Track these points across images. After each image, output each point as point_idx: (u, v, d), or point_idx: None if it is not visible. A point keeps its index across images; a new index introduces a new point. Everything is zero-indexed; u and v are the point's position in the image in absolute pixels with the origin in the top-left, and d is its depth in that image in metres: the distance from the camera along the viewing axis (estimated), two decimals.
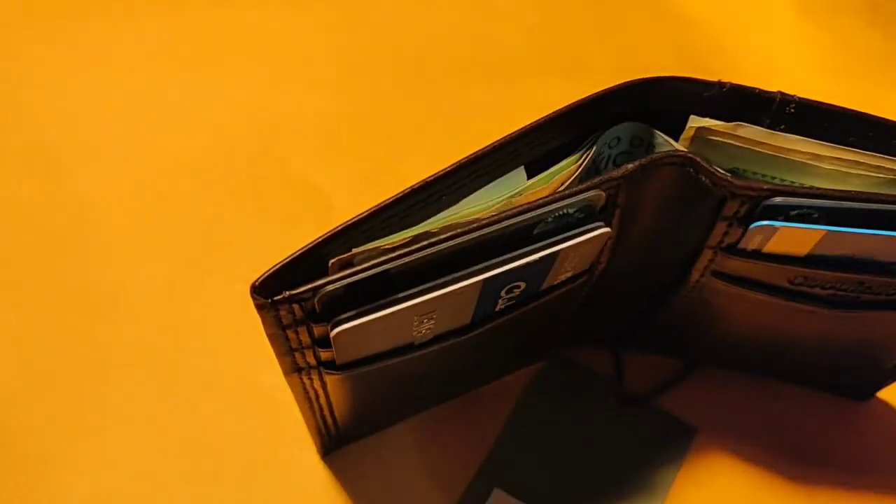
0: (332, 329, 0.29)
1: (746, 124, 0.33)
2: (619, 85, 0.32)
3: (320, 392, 0.36)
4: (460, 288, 0.30)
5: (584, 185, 0.30)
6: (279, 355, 0.32)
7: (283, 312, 0.29)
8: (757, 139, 0.33)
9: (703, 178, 0.32)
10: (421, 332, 0.33)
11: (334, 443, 0.43)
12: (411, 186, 0.30)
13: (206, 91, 0.53)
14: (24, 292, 0.47)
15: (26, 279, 0.48)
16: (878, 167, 0.32)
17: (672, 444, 0.46)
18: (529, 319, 0.37)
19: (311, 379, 0.34)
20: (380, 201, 0.30)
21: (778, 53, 0.57)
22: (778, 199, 0.31)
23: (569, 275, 0.35)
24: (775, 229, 0.32)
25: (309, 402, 0.37)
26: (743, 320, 0.41)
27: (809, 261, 0.34)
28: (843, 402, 0.47)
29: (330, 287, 0.28)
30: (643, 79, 0.33)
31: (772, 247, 0.33)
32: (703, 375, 0.47)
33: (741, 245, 0.34)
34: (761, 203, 0.32)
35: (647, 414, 0.47)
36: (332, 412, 0.39)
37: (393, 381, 0.38)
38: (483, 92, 0.52)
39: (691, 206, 0.33)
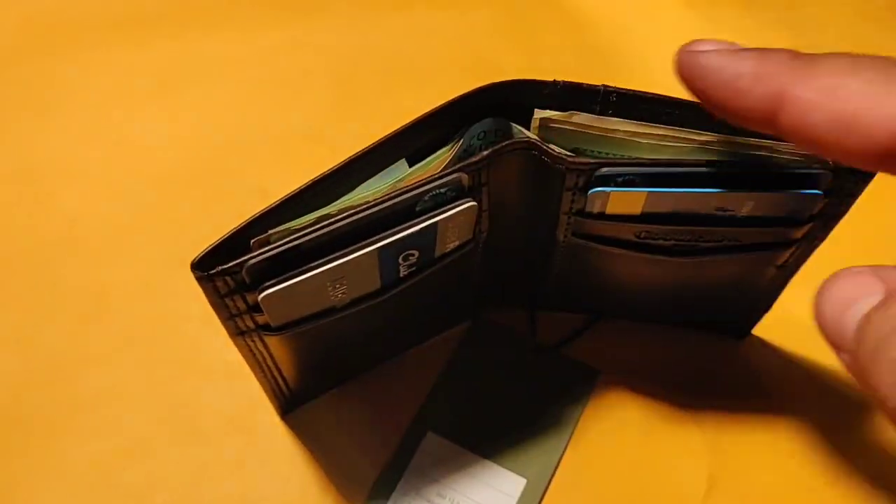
0: (259, 294, 0.35)
1: (579, 112, 0.39)
2: (479, 88, 0.38)
3: (265, 353, 0.41)
4: (359, 256, 0.36)
5: (451, 169, 0.37)
6: (223, 320, 0.38)
7: (219, 284, 0.35)
8: (588, 123, 0.39)
9: (545, 158, 0.38)
10: (338, 296, 0.38)
11: (290, 403, 0.48)
12: (312, 179, 0.36)
13: (170, 114, 0.57)
14: (23, 297, 0.52)
15: (24, 286, 0.53)
16: (685, 139, 0.38)
17: (578, 385, 0.50)
18: (435, 283, 0.42)
19: (254, 341, 0.40)
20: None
21: (668, 43, 0.61)
22: (605, 170, 0.37)
23: (456, 243, 0.41)
24: (608, 194, 0.38)
25: (259, 365, 0.42)
26: (615, 273, 0.46)
27: (645, 218, 0.39)
28: (725, 340, 0.51)
29: (253, 261, 0.34)
30: (497, 82, 0.39)
31: (611, 208, 0.39)
32: (604, 327, 0.52)
33: (587, 209, 0.40)
34: (593, 174, 0.38)
35: (557, 361, 0.51)
36: (280, 373, 0.44)
37: (329, 341, 0.43)
38: (412, 98, 0.54)
39: (543, 181, 0.39)
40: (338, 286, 0.38)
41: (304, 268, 0.36)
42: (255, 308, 0.37)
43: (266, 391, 0.46)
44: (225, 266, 0.35)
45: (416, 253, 0.39)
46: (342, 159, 0.40)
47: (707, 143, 0.38)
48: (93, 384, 0.50)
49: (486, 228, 0.42)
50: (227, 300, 0.36)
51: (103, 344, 0.51)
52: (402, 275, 0.40)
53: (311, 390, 0.49)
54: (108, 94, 0.57)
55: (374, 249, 0.37)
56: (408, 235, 0.37)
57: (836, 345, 0.27)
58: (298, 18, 0.59)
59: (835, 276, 0.27)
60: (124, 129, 0.57)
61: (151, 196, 0.55)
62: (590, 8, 0.62)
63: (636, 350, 0.52)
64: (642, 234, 0.41)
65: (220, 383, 0.50)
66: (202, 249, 0.35)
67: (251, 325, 0.39)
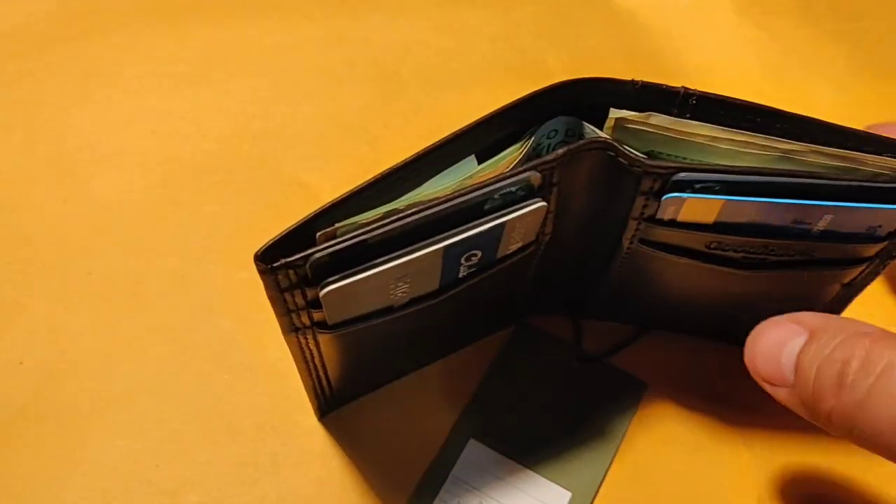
0: (320, 290, 0.34)
1: (657, 114, 0.38)
2: (553, 84, 0.37)
3: (315, 352, 0.40)
4: (425, 254, 0.35)
5: (522, 167, 0.35)
6: (279, 316, 0.36)
7: (280, 277, 0.34)
8: (666, 125, 0.38)
9: (621, 159, 0.37)
10: (398, 295, 0.37)
11: (329, 404, 0.47)
12: (380, 173, 0.35)
13: (207, 103, 0.56)
14: (55, 285, 0.51)
15: (56, 274, 0.51)
16: (765, 146, 0.37)
17: (624, 397, 0.49)
18: (490, 285, 0.41)
19: (306, 338, 0.39)
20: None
21: (718, 52, 0.60)
22: (682, 175, 0.36)
23: (519, 245, 0.39)
24: (683, 200, 0.37)
25: (305, 363, 0.41)
26: (674, 284, 0.44)
27: (718, 227, 0.38)
28: None
29: (318, 255, 0.33)
30: (573, 79, 0.37)
31: (684, 216, 0.38)
32: (651, 338, 0.51)
33: (659, 216, 0.38)
34: (670, 179, 0.36)
35: (603, 371, 0.50)
36: (325, 372, 0.43)
37: (378, 342, 0.42)
38: (453, 97, 0.55)
39: (616, 183, 0.38)
40: (400, 285, 0.37)
41: (370, 264, 0.35)
42: (314, 304, 0.36)
43: (307, 391, 0.45)
44: (289, 259, 0.34)
45: (480, 253, 0.38)
46: (382, 155, 0.39)
47: (789, 151, 0.37)
48: (124, 378, 0.49)
49: (550, 231, 0.41)
50: (287, 295, 0.35)
51: (136, 337, 0.50)
52: (461, 275, 0.39)
53: (351, 392, 0.48)
54: (145, 80, 0.56)
55: (441, 248, 0.35)
56: (475, 234, 0.36)
57: (773, 382, 0.36)
58: (343, 11, 0.58)
59: (762, 327, 0.37)
60: (161, 117, 0.55)
61: (187, 186, 0.54)
62: (638, 11, 0.61)
63: (683, 363, 0.50)
64: (712, 245, 0.40)
65: (255, 382, 0.49)
66: (266, 242, 0.34)
67: (307, 321, 0.37)
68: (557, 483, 0.47)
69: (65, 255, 0.52)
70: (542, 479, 0.47)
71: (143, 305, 0.51)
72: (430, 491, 0.47)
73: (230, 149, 0.55)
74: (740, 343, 0.42)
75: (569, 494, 0.47)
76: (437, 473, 0.47)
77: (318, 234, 0.35)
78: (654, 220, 0.39)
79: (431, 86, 0.57)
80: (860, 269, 0.41)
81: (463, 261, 0.38)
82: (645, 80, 0.38)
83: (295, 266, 0.34)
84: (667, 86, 0.38)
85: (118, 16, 0.57)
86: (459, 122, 0.48)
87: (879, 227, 0.38)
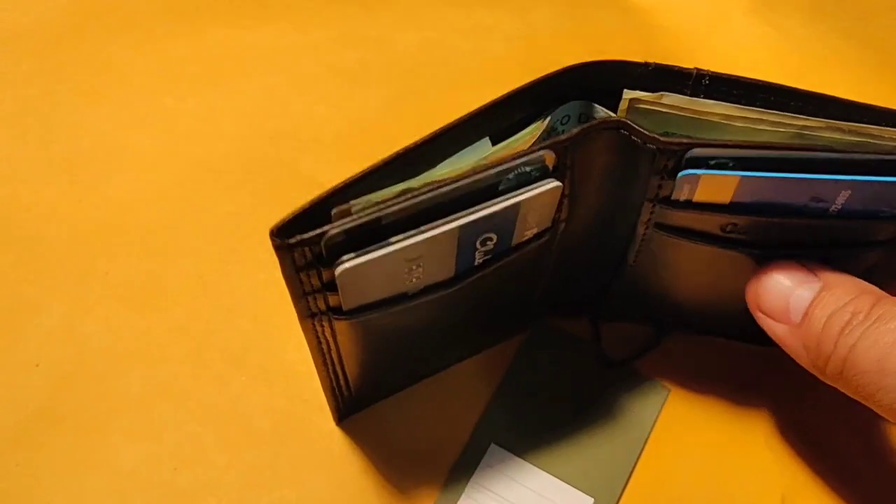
0: (336, 268, 0.34)
1: (670, 94, 0.38)
2: (566, 67, 0.37)
3: (331, 343, 0.40)
4: (440, 233, 0.35)
5: (537, 146, 0.35)
6: (295, 299, 0.36)
7: (296, 255, 0.34)
8: (679, 105, 0.37)
9: (635, 138, 0.36)
10: (412, 280, 0.37)
11: (347, 406, 0.46)
12: (395, 152, 0.35)
13: (222, 103, 0.56)
14: (70, 286, 0.51)
15: (71, 274, 0.51)
16: (780, 122, 0.37)
17: (647, 402, 0.49)
18: (507, 277, 0.41)
19: (322, 326, 0.38)
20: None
21: (732, 51, 0.60)
22: (696, 151, 0.36)
23: (534, 231, 0.39)
24: (698, 177, 0.36)
25: (322, 356, 0.41)
26: (693, 276, 0.44)
27: (734, 208, 0.38)
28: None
29: (333, 231, 0.33)
30: (585, 62, 0.38)
31: (700, 195, 0.37)
32: (672, 342, 0.50)
33: (674, 196, 0.38)
34: (684, 155, 0.36)
35: (625, 376, 0.49)
36: (343, 369, 0.42)
37: (395, 336, 0.42)
38: (470, 96, 0.53)
39: (630, 165, 0.38)
40: (414, 268, 0.36)
41: (384, 242, 0.34)
42: (330, 286, 0.36)
43: (325, 390, 0.44)
44: (305, 235, 0.33)
45: (495, 238, 0.37)
46: None
47: (804, 127, 0.37)
48: (141, 380, 0.48)
49: (566, 217, 0.40)
50: (303, 275, 0.35)
51: (153, 339, 0.50)
52: (476, 262, 0.39)
53: (369, 394, 0.47)
54: (160, 80, 0.56)
55: (455, 227, 0.35)
56: (490, 214, 0.35)
57: (775, 317, 0.38)
58: (358, 11, 0.58)
59: (774, 266, 0.39)
60: (176, 117, 0.55)
61: (203, 186, 0.54)
62: (653, 11, 0.61)
63: (705, 367, 0.50)
64: (728, 228, 0.39)
65: (273, 384, 0.48)
66: (283, 217, 0.34)
67: (322, 306, 0.37)
68: (579, 489, 0.46)
69: (80, 255, 0.51)
70: (565, 486, 0.47)
71: (160, 307, 0.51)
72: (451, 496, 0.46)
73: (246, 149, 0.55)
74: (762, 342, 0.42)
75: (591, 500, 0.46)
76: (458, 478, 0.47)
77: (334, 210, 0.35)
78: (669, 203, 0.39)
79: (448, 86, 0.57)
80: (881, 252, 0.41)
81: (478, 245, 0.37)
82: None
83: (310, 243, 0.34)
84: (679, 67, 0.38)
85: (133, 15, 0.57)
86: None
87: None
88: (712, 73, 0.38)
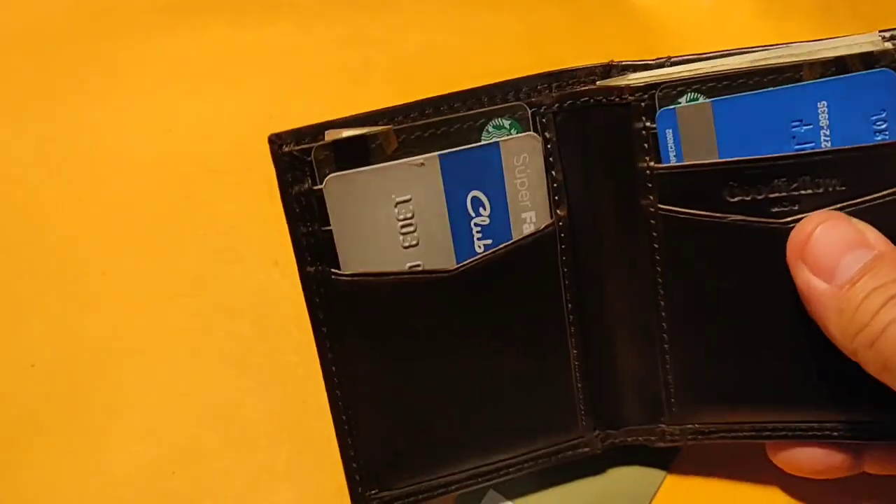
0: (322, 182, 0.36)
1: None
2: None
3: (334, 351, 0.39)
4: (422, 159, 0.36)
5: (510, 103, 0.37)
6: (294, 238, 0.37)
7: (291, 170, 0.36)
8: (644, 77, 0.38)
9: (603, 98, 0.38)
10: (407, 248, 0.37)
11: (366, 480, 0.42)
12: (390, 107, 0.38)
13: (223, 103, 0.55)
14: (70, 286, 0.51)
15: (71, 274, 0.51)
16: (738, 61, 0.38)
17: (653, 459, 0.46)
18: (515, 286, 0.39)
19: (321, 297, 0.38)
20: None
21: None
22: (664, 86, 0.37)
23: (532, 217, 0.39)
24: (674, 113, 0.37)
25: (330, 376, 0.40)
26: (734, 294, 0.40)
27: (728, 165, 0.37)
28: None
29: (320, 144, 0.36)
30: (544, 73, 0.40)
31: (687, 152, 0.38)
32: None
33: (662, 153, 0.38)
34: (655, 96, 0.37)
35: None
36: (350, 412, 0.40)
37: (401, 348, 0.39)
38: None
39: (615, 142, 0.38)
40: (406, 228, 0.37)
41: (369, 162, 0.36)
42: (323, 218, 0.37)
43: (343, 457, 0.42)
44: (297, 147, 0.36)
45: (487, 205, 0.38)
46: None
47: (759, 59, 0.37)
48: (139, 382, 0.48)
49: (566, 214, 0.39)
50: (296, 188, 0.37)
51: (151, 339, 0.50)
52: (477, 250, 0.38)
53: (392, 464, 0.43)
54: (160, 80, 0.56)
55: (435, 155, 0.36)
56: (469, 151, 0.37)
57: (819, 273, 0.36)
58: (360, 12, 0.58)
59: (836, 219, 0.36)
60: (177, 117, 0.55)
61: (204, 186, 0.53)
62: (657, 13, 0.60)
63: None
64: (733, 190, 0.38)
65: (272, 386, 0.48)
66: (284, 130, 0.36)
67: (321, 254, 0.37)
68: None
69: (79, 254, 0.51)
70: None
71: (158, 307, 0.50)
72: None
73: (247, 149, 0.53)
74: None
75: None
76: None
77: (327, 131, 0.36)
78: (661, 169, 0.38)
79: (450, 87, 0.54)
80: None
81: (471, 211, 0.38)
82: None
83: (301, 156, 0.36)
84: (641, 60, 0.39)
85: (134, 15, 0.57)
86: None
87: (883, 113, 0.37)
88: (676, 56, 0.38)
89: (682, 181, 0.38)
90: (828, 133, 0.37)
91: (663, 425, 0.43)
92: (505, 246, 0.38)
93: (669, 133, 0.38)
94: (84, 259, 0.51)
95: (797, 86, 0.37)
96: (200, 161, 0.54)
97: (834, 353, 0.37)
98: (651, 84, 0.37)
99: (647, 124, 0.38)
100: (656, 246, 0.40)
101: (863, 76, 0.37)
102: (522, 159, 0.38)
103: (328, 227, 0.37)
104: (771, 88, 0.37)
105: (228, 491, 0.45)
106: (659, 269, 0.40)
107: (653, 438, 0.43)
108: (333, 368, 0.39)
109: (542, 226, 0.39)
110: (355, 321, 0.38)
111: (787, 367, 0.40)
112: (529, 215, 0.39)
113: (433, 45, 0.57)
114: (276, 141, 0.36)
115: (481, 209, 0.38)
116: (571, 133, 0.38)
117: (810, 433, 0.41)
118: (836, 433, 0.41)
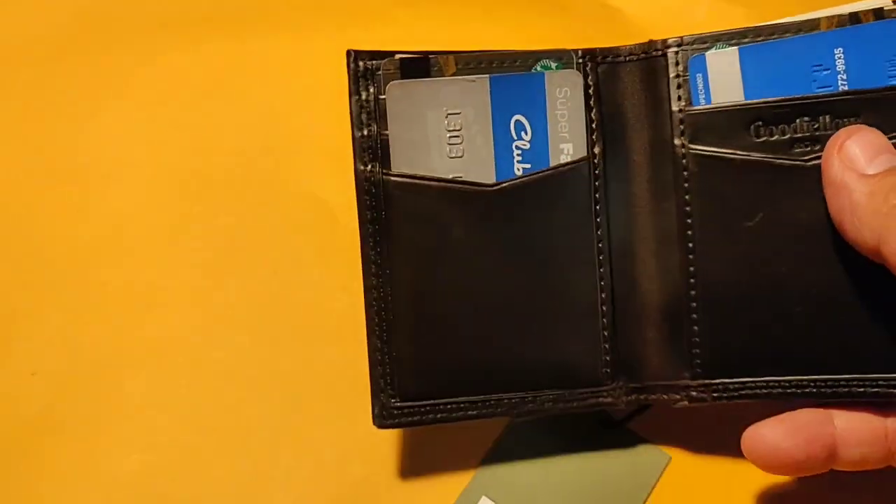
0: (385, 89, 0.41)
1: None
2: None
3: (382, 234, 0.42)
4: (473, 78, 0.41)
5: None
6: (354, 139, 0.42)
7: (362, 80, 0.42)
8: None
9: (652, 52, 0.42)
10: (454, 158, 0.42)
11: (395, 385, 0.43)
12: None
13: (221, 115, 0.55)
14: (70, 296, 0.50)
15: (71, 285, 0.51)
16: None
17: (644, 469, 0.46)
18: (552, 212, 0.42)
19: (373, 186, 0.42)
20: None
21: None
22: (696, 38, 0.41)
23: (570, 150, 0.42)
24: (704, 59, 0.41)
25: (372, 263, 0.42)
26: (764, 235, 0.41)
27: (752, 105, 0.40)
28: None
29: (388, 59, 0.41)
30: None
31: (715, 92, 0.41)
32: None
33: (694, 94, 0.41)
34: (689, 48, 0.41)
35: (623, 439, 0.46)
36: (390, 306, 0.42)
37: (446, 258, 0.42)
38: None
39: (653, 87, 0.42)
40: (454, 139, 0.41)
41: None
42: (382, 118, 0.42)
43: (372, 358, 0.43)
44: (370, 60, 0.42)
45: (529, 129, 0.42)
46: None
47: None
48: (138, 391, 0.48)
49: (601, 151, 0.43)
50: (363, 94, 0.42)
51: (150, 349, 0.49)
52: (515, 172, 0.42)
53: (433, 376, 0.43)
54: (159, 91, 0.55)
55: (486, 77, 0.41)
56: (516, 78, 0.42)
57: (854, 166, 0.37)
58: (356, 25, 0.58)
59: (867, 129, 0.38)
60: (175, 129, 0.55)
61: (202, 199, 0.53)
62: (653, 30, 0.59)
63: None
64: (758, 127, 0.40)
65: (270, 395, 0.48)
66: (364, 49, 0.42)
67: (377, 155, 0.42)
68: None
69: (78, 265, 0.51)
70: None
71: (157, 317, 0.50)
72: None
73: (245, 162, 0.54)
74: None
75: None
76: None
77: (398, 55, 0.42)
78: (693, 111, 0.41)
79: None
80: None
81: (514, 133, 0.42)
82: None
83: (372, 68, 0.42)
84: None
85: (132, 26, 0.57)
86: None
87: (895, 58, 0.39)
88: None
89: (711, 121, 0.41)
90: (844, 77, 0.40)
91: (687, 380, 0.42)
92: (541, 171, 0.42)
93: (700, 77, 0.41)
94: (84, 269, 0.51)
95: (816, 33, 0.40)
96: (198, 173, 0.53)
97: (864, 297, 0.38)
98: (685, 40, 0.41)
99: (681, 70, 0.41)
100: (686, 185, 0.41)
101: (874, 25, 0.39)
102: (564, 92, 0.42)
103: (385, 132, 0.41)
104: (792, 37, 0.40)
105: (227, 498, 0.46)
106: (688, 208, 0.41)
107: (676, 397, 0.43)
108: (373, 267, 0.42)
109: (578, 158, 0.42)
110: (398, 221, 0.42)
111: (815, 316, 0.40)
112: (567, 147, 0.42)
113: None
114: (351, 54, 0.42)
115: (523, 133, 0.42)
116: (611, 79, 0.43)
117: (845, 390, 0.40)
118: (875, 387, 0.40)
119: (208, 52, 0.56)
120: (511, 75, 0.41)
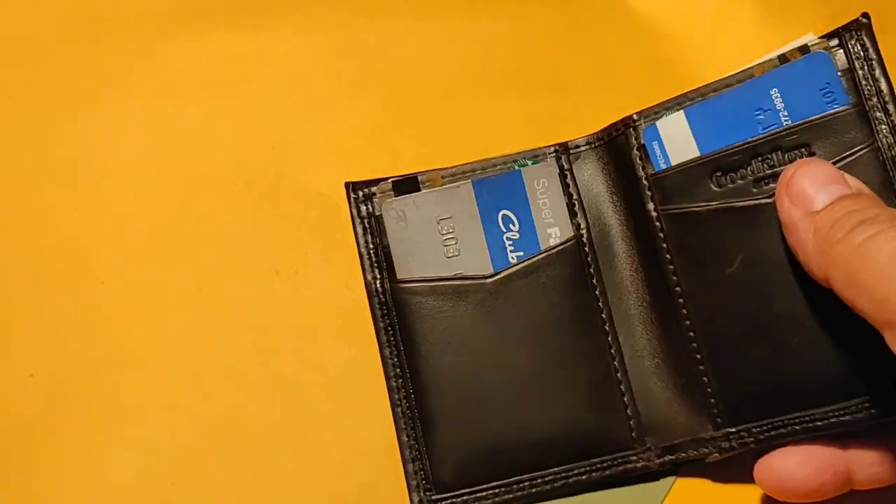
0: (382, 207, 0.47)
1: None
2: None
3: (396, 333, 0.47)
4: (457, 186, 0.47)
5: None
6: (360, 252, 0.48)
7: (363, 204, 0.48)
8: None
9: (615, 132, 0.47)
10: (451, 257, 0.46)
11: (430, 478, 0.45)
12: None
13: (222, 111, 0.55)
14: (67, 295, 0.50)
15: (69, 284, 0.50)
16: None
17: (651, 486, 0.46)
18: (550, 291, 0.46)
19: (383, 298, 0.47)
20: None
21: (739, 61, 0.59)
22: (645, 112, 0.46)
23: (556, 232, 0.46)
24: (656, 127, 0.45)
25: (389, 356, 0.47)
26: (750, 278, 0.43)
27: (709, 157, 0.44)
28: None
29: (383, 183, 0.48)
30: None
31: (673, 153, 0.45)
32: None
33: (654, 161, 0.45)
34: (641, 123, 0.46)
35: None
36: (412, 375, 0.46)
37: (457, 341, 0.45)
38: (474, 105, 0.54)
39: (619, 164, 0.47)
40: (449, 239, 0.46)
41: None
42: (382, 233, 0.47)
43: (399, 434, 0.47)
44: (366, 188, 0.48)
45: (516, 221, 0.46)
46: (403, 165, 0.50)
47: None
48: (137, 393, 0.48)
49: (585, 227, 0.47)
50: (363, 223, 0.48)
51: (149, 350, 0.49)
52: (510, 261, 0.46)
53: (466, 456, 0.46)
54: (159, 87, 0.55)
55: (469, 182, 0.47)
56: (496, 177, 0.47)
57: (801, 202, 0.39)
58: (359, 19, 0.57)
59: (814, 161, 0.40)
60: (175, 125, 0.54)
61: (203, 196, 0.52)
62: (658, 19, 0.59)
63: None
64: (719, 177, 0.44)
65: (271, 397, 0.48)
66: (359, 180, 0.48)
67: (380, 271, 0.47)
68: None
69: (76, 264, 0.51)
70: None
71: (156, 317, 0.50)
72: None
73: (247, 158, 0.54)
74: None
75: None
76: None
77: (390, 179, 0.48)
78: (656, 176, 0.45)
79: (451, 94, 0.56)
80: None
81: (502, 226, 0.46)
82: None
83: (369, 192, 0.48)
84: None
85: (131, 21, 0.56)
86: (481, 130, 0.51)
87: (828, 86, 0.43)
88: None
89: (675, 181, 0.44)
90: (786, 113, 0.43)
91: (711, 431, 0.43)
92: (533, 256, 0.46)
93: (656, 144, 0.45)
94: (82, 269, 0.50)
95: (751, 80, 0.44)
96: (199, 170, 0.53)
97: (853, 327, 0.38)
98: (634, 119, 0.46)
99: (640, 142, 0.45)
100: (665, 245, 0.44)
101: (801, 61, 0.43)
102: (542, 183, 0.47)
103: (387, 244, 0.46)
104: (730, 89, 0.44)
105: (228, 502, 0.46)
106: (671, 266, 0.44)
107: (706, 450, 0.44)
108: (394, 370, 0.46)
109: (565, 238, 0.46)
110: (410, 321, 0.46)
111: (814, 344, 0.41)
112: (554, 230, 0.46)
113: (431, 52, 0.57)
114: (349, 186, 0.48)
115: (511, 225, 0.46)
116: (583, 163, 0.48)
117: (846, 417, 0.41)
118: (871, 412, 0.41)
119: (209, 46, 0.56)
120: (491, 177, 0.47)
